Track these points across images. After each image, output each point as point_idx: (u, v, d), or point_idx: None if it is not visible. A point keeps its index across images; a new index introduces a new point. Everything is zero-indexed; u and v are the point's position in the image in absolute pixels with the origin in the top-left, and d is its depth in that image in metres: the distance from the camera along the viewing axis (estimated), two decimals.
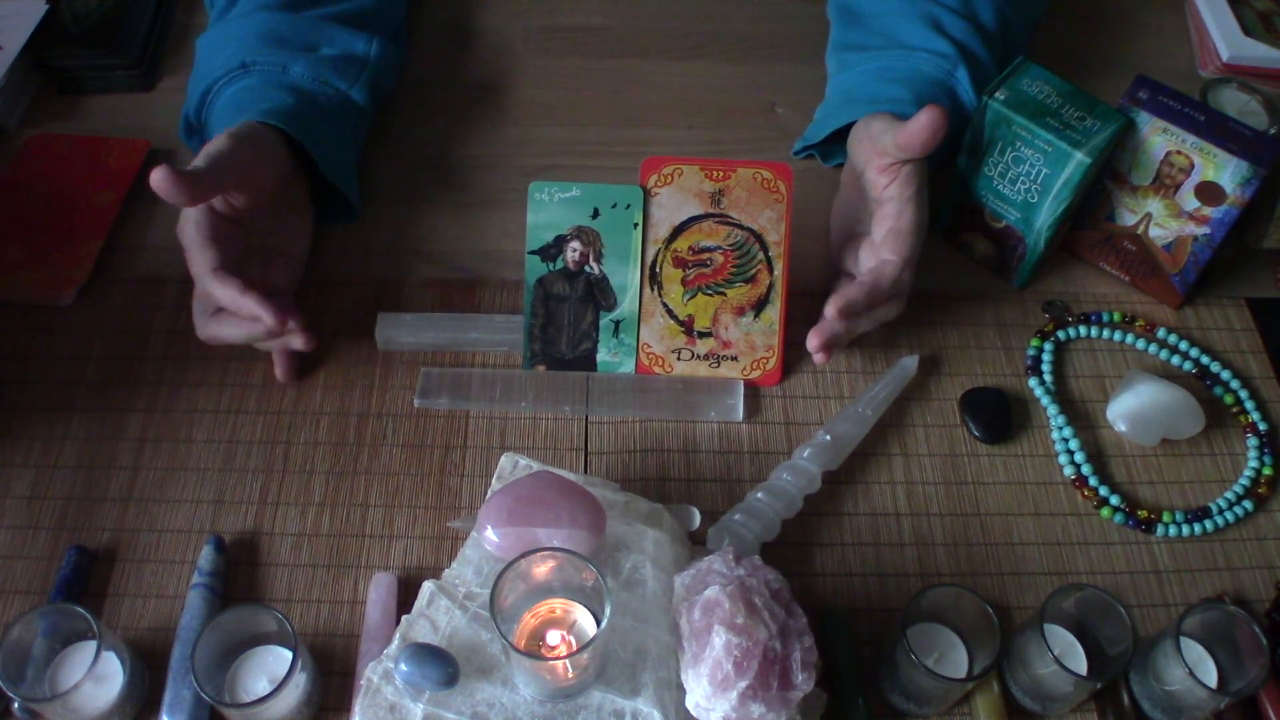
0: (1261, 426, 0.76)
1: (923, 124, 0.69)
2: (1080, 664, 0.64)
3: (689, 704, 0.57)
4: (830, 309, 0.71)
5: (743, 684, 0.55)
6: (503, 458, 0.68)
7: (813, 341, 0.72)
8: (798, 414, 0.76)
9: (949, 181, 0.81)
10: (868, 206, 0.76)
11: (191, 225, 0.70)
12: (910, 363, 0.76)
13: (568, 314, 0.76)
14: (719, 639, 0.55)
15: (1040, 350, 0.79)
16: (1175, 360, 0.80)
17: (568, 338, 0.76)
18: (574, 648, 0.57)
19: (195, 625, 0.63)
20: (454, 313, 0.79)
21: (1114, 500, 0.73)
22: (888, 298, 0.73)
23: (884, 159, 0.74)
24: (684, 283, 0.76)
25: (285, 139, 0.76)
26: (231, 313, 0.71)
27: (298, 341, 0.72)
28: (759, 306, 0.76)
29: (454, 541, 0.69)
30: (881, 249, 0.73)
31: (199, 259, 0.69)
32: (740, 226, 0.75)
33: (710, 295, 0.76)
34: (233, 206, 0.72)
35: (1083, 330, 0.81)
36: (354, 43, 0.85)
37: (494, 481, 0.67)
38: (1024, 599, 0.69)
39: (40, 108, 0.91)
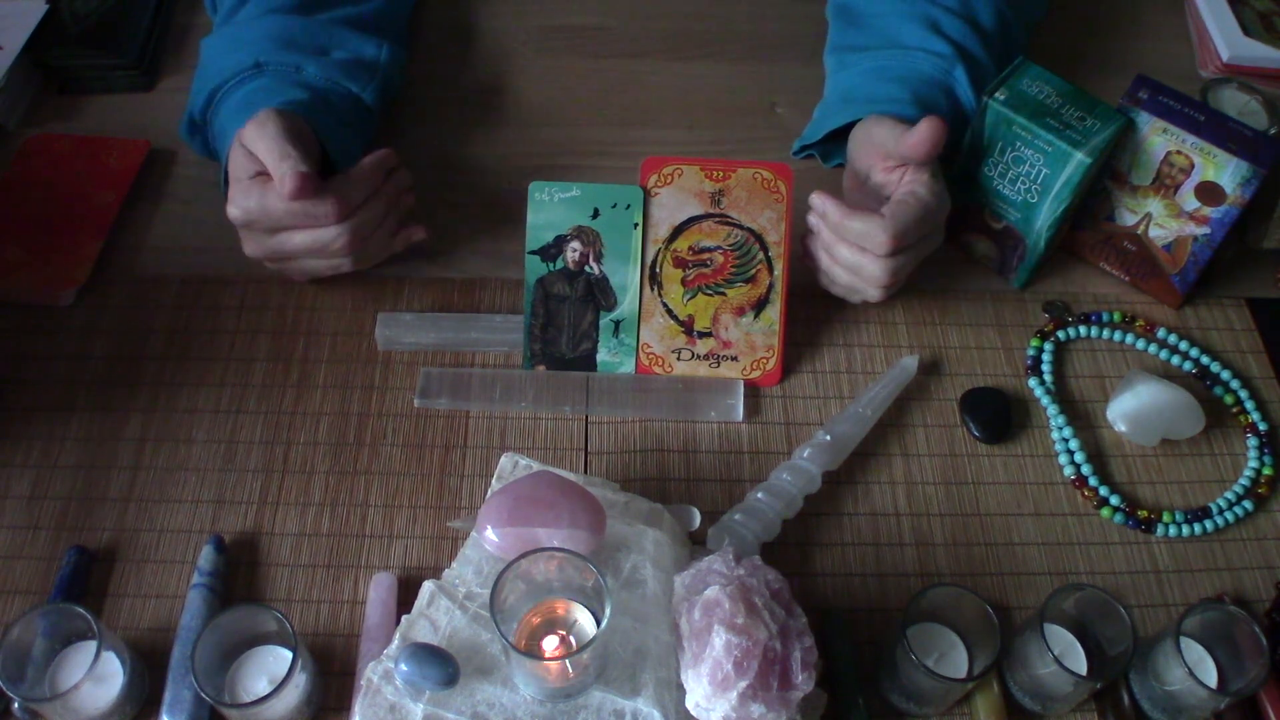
0: (1261, 426, 0.76)
1: (922, 136, 0.71)
2: (1080, 664, 0.64)
3: (689, 704, 0.57)
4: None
5: (743, 684, 0.55)
6: (503, 458, 0.68)
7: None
8: (798, 414, 0.76)
9: (949, 181, 0.81)
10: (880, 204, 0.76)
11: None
12: (910, 363, 0.76)
13: (568, 314, 0.76)
14: (719, 639, 0.55)
15: (1040, 350, 0.79)
16: (1175, 360, 0.80)
17: (568, 338, 0.76)
18: (574, 648, 0.57)
19: (195, 625, 0.63)
20: (454, 313, 0.79)
21: (1114, 500, 0.73)
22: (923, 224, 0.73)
23: (889, 161, 0.74)
24: (684, 283, 0.76)
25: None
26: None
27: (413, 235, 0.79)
28: (759, 306, 0.76)
29: (454, 541, 0.69)
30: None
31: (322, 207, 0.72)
32: (740, 226, 0.75)
33: (710, 295, 0.76)
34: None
35: (1083, 330, 0.81)
36: (364, 47, 0.85)
37: (494, 481, 0.67)
38: (1024, 599, 0.69)
39: (40, 108, 0.91)
